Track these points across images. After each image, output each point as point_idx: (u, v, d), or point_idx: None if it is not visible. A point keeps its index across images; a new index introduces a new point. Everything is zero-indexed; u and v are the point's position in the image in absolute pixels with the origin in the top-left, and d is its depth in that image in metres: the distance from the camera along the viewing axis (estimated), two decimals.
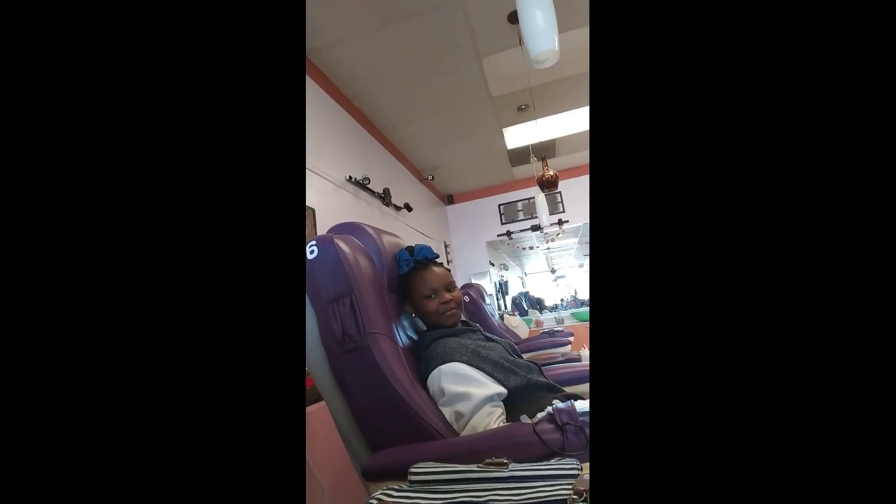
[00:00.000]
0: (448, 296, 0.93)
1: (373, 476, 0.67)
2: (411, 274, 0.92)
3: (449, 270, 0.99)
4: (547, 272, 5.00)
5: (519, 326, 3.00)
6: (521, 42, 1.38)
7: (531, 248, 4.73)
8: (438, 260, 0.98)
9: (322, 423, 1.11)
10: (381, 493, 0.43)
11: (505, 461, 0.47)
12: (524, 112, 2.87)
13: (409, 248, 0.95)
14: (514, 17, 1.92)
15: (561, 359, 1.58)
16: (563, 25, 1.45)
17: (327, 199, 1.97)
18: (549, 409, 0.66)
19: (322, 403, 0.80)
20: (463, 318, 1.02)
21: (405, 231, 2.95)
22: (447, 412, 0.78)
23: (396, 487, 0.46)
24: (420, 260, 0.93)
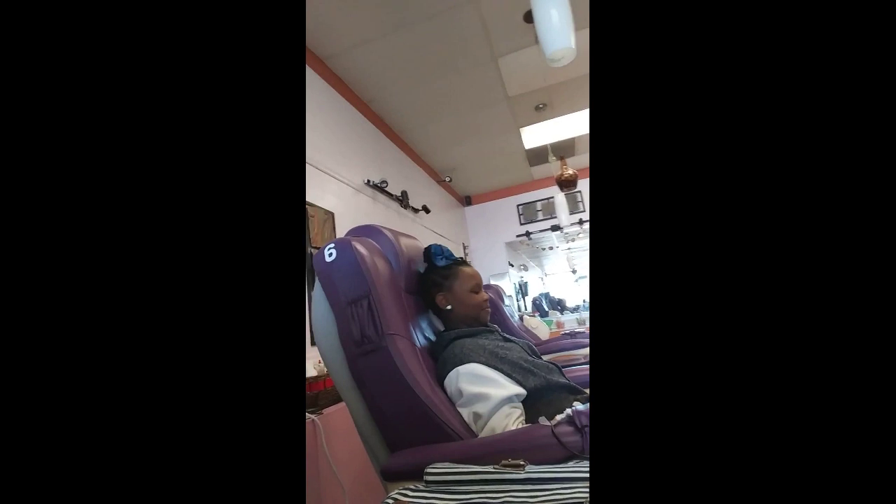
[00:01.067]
0: (485, 294, 0.97)
1: (391, 476, 0.67)
2: (453, 268, 0.96)
3: None
4: (568, 272, 4.94)
5: (539, 328, 2.96)
6: (536, 41, 1.37)
7: (551, 248, 4.67)
8: None
9: (342, 423, 1.12)
10: (396, 493, 0.44)
11: (522, 463, 0.47)
12: (542, 111, 2.85)
13: (439, 247, 0.98)
14: (529, 17, 1.91)
15: (582, 360, 1.55)
16: (580, 23, 1.43)
17: (346, 203, 2.00)
18: (569, 410, 0.65)
19: (342, 403, 0.81)
20: None
21: (423, 233, 2.96)
22: (465, 413, 0.78)
23: (413, 487, 0.46)
24: (459, 259, 0.99)
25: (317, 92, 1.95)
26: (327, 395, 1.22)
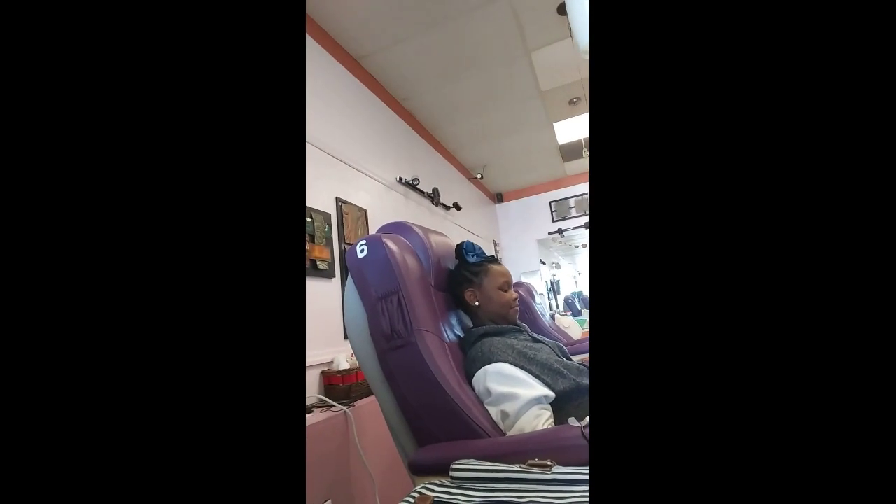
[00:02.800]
0: (514, 293, 0.97)
1: (418, 469, 0.68)
2: (483, 265, 0.96)
3: None
4: None
5: (571, 327, 2.91)
6: (570, 33, 1.34)
7: (584, 245, 4.56)
8: None
9: (373, 416, 1.15)
10: (422, 487, 0.44)
11: (549, 463, 0.46)
12: (576, 105, 2.78)
13: (471, 244, 0.99)
14: (563, 9, 1.86)
15: None
16: None
17: (379, 200, 2.03)
18: None
19: (374, 397, 0.83)
20: None
21: (454, 230, 2.97)
22: (493, 412, 0.78)
23: (438, 482, 0.47)
24: (490, 257, 0.99)
25: (351, 91, 1.99)
26: (359, 388, 1.25)
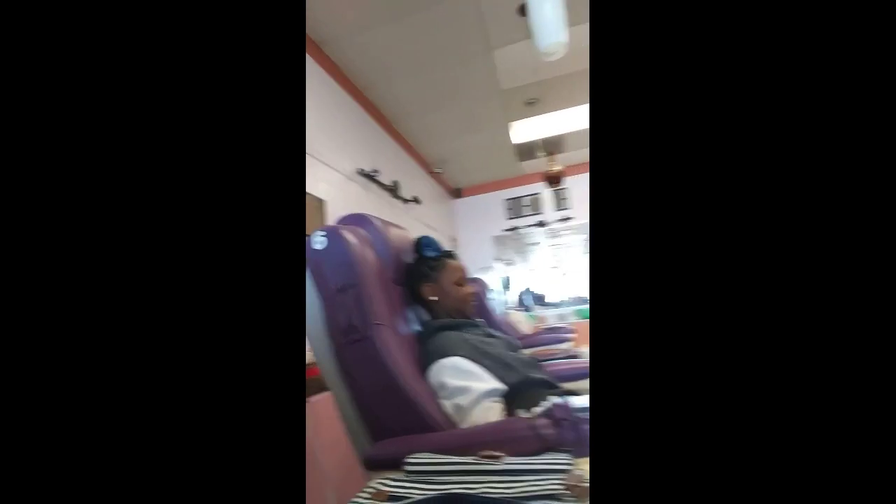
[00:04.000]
0: (470, 288, 0.98)
1: (373, 465, 0.68)
2: (441, 260, 0.96)
3: None
4: (553, 269, 4.99)
5: (522, 322, 3.00)
6: (530, 35, 1.37)
7: (537, 243, 4.71)
8: None
9: (327, 412, 1.13)
10: (377, 482, 0.45)
11: (500, 454, 0.48)
12: (534, 106, 2.85)
13: (429, 238, 1.00)
14: (523, 10, 1.90)
15: (561, 355, 1.58)
16: (574, 19, 1.43)
17: (337, 191, 1.98)
18: (547, 404, 0.67)
19: (328, 392, 0.82)
20: None
21: (412, 224, 2.96)
22: (447, 405, 0.80)
23: (393, 477, 0.47)
24: (447, 251, 1.00)
25: (311, 77, 1.91)
26: (313, 384, 1.23)
